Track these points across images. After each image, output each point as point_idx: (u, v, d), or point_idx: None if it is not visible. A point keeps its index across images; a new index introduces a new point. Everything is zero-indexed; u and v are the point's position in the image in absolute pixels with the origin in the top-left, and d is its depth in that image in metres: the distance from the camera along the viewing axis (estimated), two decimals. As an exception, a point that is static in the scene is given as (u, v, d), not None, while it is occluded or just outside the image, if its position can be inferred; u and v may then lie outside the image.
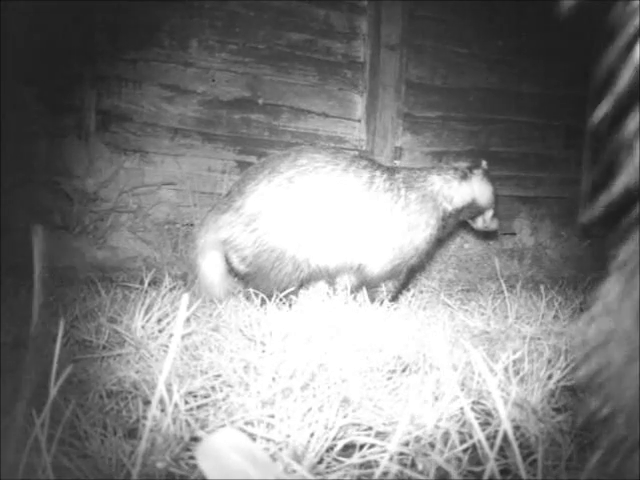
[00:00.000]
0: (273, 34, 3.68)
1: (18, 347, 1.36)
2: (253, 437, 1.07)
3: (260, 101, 3.69)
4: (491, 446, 0.82)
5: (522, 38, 4.10)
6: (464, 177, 2.30)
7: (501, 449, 1.01)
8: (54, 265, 2.49)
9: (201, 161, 3.58)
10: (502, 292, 2.11)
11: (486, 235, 3.48)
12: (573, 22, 0.80)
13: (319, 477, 1.00)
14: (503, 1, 3.93)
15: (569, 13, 0.68)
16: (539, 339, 1.73)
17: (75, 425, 1.10)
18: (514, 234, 4.16)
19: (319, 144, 3.75)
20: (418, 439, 1.09)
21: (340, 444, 1.06)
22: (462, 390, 1.30)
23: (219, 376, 1.33)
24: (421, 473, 0.98)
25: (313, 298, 2.19)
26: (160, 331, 1.61)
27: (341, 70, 3.87)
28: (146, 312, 1.64)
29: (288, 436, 1.06)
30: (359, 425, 1.17)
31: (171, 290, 1.93)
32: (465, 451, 1.04)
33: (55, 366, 0.88)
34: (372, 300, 2.17)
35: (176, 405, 1.06)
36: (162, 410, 1.07)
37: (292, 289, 2.14)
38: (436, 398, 1.23)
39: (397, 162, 3.88)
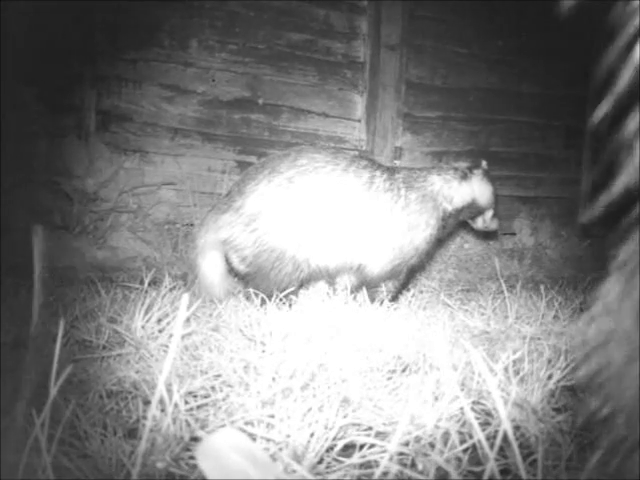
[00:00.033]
0: (273, 34, 3.68)
1: (18, 347, 1.36)
2: (253, 437, 1.07)
3: (260, 101, 3.69)
4: (491, 446, 0.82)
5: (522, 38, 4.10)
6: (464, 177, 2.30)
7: (501, 449, 1.01)
8: (54, 265, 2.49)
9: (201, 161, 3.58)
10: (502, 292, 2.11)
11: (486, 235, 3.48)
12: (573, 22, 0.80)
13: (319, 477, 1.00)
14: (503, 1, 3.92)
15: (569, 13, 0.68)
16: (539, 339, 1.73)
17: (75, 425, 1.10)
18: (514, 234, 4.16)
19: (319, 144, 3.75)
20: (418, 439, 1.09)
21: (340, 444, 1.06)
22: (462, 390, 1.30)
23: (219, 376, 1.33)
24: (421, 473, 0.98)
25: (313, 298, 2.19)
26: (160, 331, 1.61)
27: (341, 70, 3.87)
28: (146, 312, 1.64)
29: (288, 436, 1.06)
30: (359, 425, 1.17)
31: (171, 290, 1.93)
32: (465, 451, 1.04)
33: (55, 366, 0.88)
34: (372, 300, 2.17)
35: (176, 405, 1.06)
36: (162, 410, 1.07)
37: (292, 289, 2.14)
38: (436, 398, 1.23)
39: (397, 162, 3.88)
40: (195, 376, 1.33)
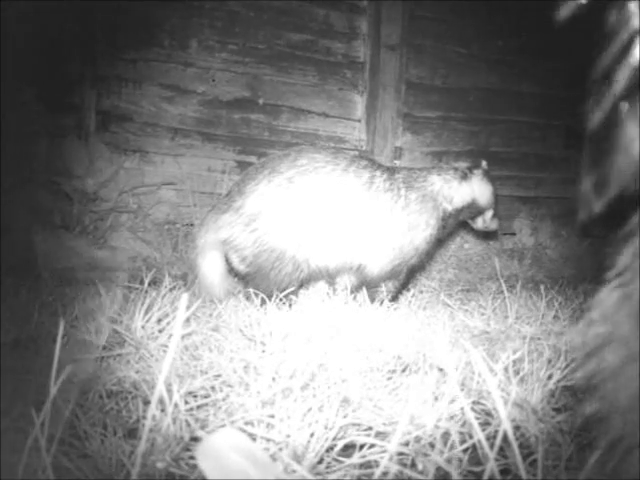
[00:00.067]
0: (273, 34, 3.67)
1: (18, 347, 1.37)
2: (253, 437, 1.07)
3: (260, 101, 3.69)
4: (491, 446, 0.82)
5: (522, 38, 4.10)
6: (464, 177, 2.30)
7: (501, 449, 1.01)
8: (54, 265, 2.49)
9: (201, 161, 3.58)
10: (502, 292, 2.11)
11: (486, 235, 3.47)
12: (573, 22, 0.80)
13: (319, 477, 1.00)
14: (503, 1, 3.92)
15: (564, 22, 0.68)
16: (539, 339, 1.73)
17: (75, 425, 1.10)
18: (514, 234, 4.16)
19: (319, 144, 3.75)
20: (418, 439, 1.09)
21: (340, 444, 1.06)
22: (462, 390, 1.30)
23: (219, 376, 1.33)
24: (421, 473, 0.98)
25: (313, 298, 2.19)
26: (160, 331, 1.61)
27: (341, 70, 3.87)
28: (146, 312, 1.64)
29: (288, 436, 1.06)
30: (359, 425, 1.17)
31: (171, 290, 1.93)
32: (465, 451, 1.04)
33: (55, 366, 0.88)
34: (372, 300, 2.17)
35: (176, 405, 1.06)
36: (162, 410, 1.07)
37: (292, 289, 2.14)
38: (436, 398, 1.23)
39: (397, 162, 3.88)
40: (195, 376, 1.33)
